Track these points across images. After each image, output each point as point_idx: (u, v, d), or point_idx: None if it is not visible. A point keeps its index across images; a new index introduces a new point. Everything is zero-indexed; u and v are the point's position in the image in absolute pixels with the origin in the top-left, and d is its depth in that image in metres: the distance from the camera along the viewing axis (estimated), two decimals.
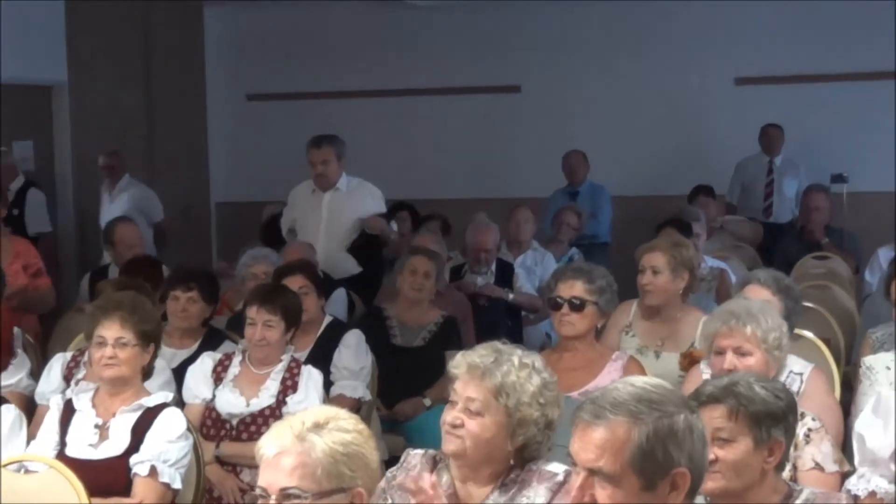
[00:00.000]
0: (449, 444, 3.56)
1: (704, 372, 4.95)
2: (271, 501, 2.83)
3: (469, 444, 3.54)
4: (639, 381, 2.74)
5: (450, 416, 3.57)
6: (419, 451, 3.76)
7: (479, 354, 3.61)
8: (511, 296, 8.21)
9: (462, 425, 3.54)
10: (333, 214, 8.42)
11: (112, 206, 10.50)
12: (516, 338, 7.21)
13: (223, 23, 12.65)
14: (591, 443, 2.65)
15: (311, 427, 2.87)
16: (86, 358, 5.76)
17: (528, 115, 11.97)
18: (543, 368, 3.65)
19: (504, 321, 7.85)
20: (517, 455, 3.59)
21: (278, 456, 2.85)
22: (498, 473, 3.59)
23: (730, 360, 4.49)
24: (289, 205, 8.76)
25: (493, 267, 8.38)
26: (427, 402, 6.55)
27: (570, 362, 5.35)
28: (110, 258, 8.48)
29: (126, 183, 10.79)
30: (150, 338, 4.86)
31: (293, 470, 2.83)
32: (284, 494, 2.82)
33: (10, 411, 4.85)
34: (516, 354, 3.62)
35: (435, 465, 3.68)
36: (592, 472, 2.65)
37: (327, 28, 12.43)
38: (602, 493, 2.64)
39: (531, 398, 3.56)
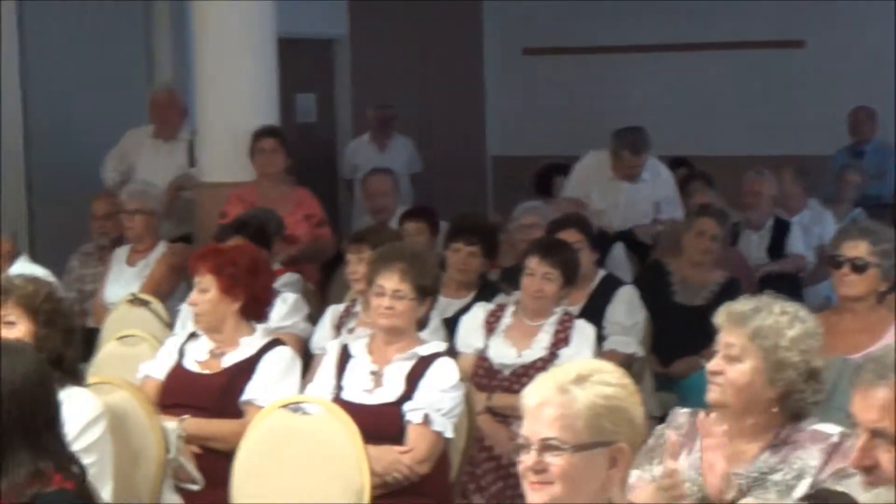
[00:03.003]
0: (710, 393, 3.58)
1: None
2: (532, 451, 2.83)
3: (728, 391, 3.53)
4: None
5: (710, 364, 3.60)
6: (686, 410, 3.75)
7: (741, 303, 3.61)
8: (775, 267, 8.02)
9: (721, 372, 3.55)
10: (629, 203, 8.36)
11: (383, 158, 10.67)
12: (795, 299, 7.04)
13: None
14: (874, 403, 2.56)
15: (574, 379, 2.86)
16: (356, 308, 5.88)
17: (812, 70, 11.60)
18: (808, 318, 3.60)
19: (784, 284, 7.65)
20: (780, 406, 3.53)
21: (540, 406, 2.85)
22: (763, 426, 3.55)
23: None
24: (582, 178, 8.58)
25: (770, 223, 8.21)
26: (703, 362, 6.41)
27: (850, 324, 5.15)
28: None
29: (396, 135, 10.93)
30: (427, 291, 4.90)
31: (553, 421, 2.82)
32: (544, 445, 2.82)
33: (284, 353, 4.98)
34: (778, 304, 3.59)
35: None
36: (875, 434, 2.55)
37: None
38: (885, 456, 2.55)
39: (790, 343, 3.52)
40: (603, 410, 2.82)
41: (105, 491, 3.86)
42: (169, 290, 7.19)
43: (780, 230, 8.25)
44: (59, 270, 7.38)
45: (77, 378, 4.11)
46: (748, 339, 3.54)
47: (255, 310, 5.11)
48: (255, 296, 5.06)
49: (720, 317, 3.62)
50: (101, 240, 7.67)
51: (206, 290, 5.00)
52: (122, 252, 7.44)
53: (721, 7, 11.82)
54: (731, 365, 3.55)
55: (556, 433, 2.81)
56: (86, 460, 3.54)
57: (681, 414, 3.74)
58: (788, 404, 3.53)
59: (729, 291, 6.60)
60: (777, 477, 3.48)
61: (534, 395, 2.88)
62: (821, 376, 3.55)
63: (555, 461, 2.81)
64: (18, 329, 4.05)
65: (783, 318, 3.54)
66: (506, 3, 12.58)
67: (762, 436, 3.55)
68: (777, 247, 8.16)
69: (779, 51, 11.77)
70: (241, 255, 5.15)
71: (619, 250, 7.54)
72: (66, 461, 3.27)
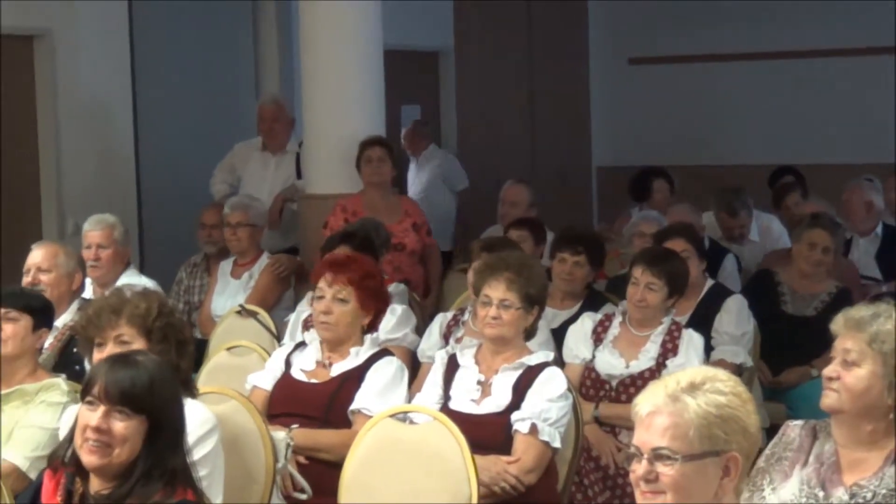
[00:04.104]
0: (825, 399, 3.53)
1: None
2: (643, 460, 2.81)
3: (845, 396, 3.49)
4: None
5: (827, 369, 3.55)
6: (798, 423, 3.69)
7: (859, 309, 3.59)
8: (885, 288, 7.88)
9: (838, 378, 3.51)
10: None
11: (419, 173, 10.72)
12: None
13: None
14: None
15: (686, 387, 2.83)
16: (465, 317, 5.88)
17: None
18: None
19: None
20: None
21: (651, 415, 2.83)
22: (882, 434, 3.49)
23: None
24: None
25: (879, 229, 8.10)
26: (814, 372, 6.35)
27: None
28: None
29: (432, 151, 10.91)
30: (534, 300, 4.88)
31: (665, 430, 2.79)
32: (656, 454, 2.79)
33: (392, 363, 4.98)
34: None
35: (815, 435, 3.60)
36: None
37: None
38: None
39: None
40: (715, 419, 2.79)
41: (216, 502, 3.89)
42: (274, 300, 7.26)
43: (891, 237, 8.11)
44: (167, 281, 7.49)
45: (191, 389, 4.14)
46: (866, 344, 3.49)
47: (375, 324, 5.13)
48: (381, 311, 5.09)
49: (837, 322, 3.58)
50: (207, 248, 7.77)
51: (344, 301, 4.96)
52: (226, 265, 7.52)
53: (830, 14, 11.67)
54: (848, 370, 3.50)
55: (667, 443, 2.79)
56: (199, 472, 3.56)
57: (791, 427, 3.67)
58: None
59: (840, 302, 6.51)
60: None
61: (645, 404, 2.85)
62: None
63: (666, 471, 2.78)
64: (133, 348, 4.07)
65: None
66: (612, 12, 12.53)
67: (882, 444, 3.49)
68: (887, 254, 8.02)
69: (890, 56, 11.59)
70: (374, 268, 5.16)
71: (730, 262, 7.46)
72: (189, 472, 3.30)
